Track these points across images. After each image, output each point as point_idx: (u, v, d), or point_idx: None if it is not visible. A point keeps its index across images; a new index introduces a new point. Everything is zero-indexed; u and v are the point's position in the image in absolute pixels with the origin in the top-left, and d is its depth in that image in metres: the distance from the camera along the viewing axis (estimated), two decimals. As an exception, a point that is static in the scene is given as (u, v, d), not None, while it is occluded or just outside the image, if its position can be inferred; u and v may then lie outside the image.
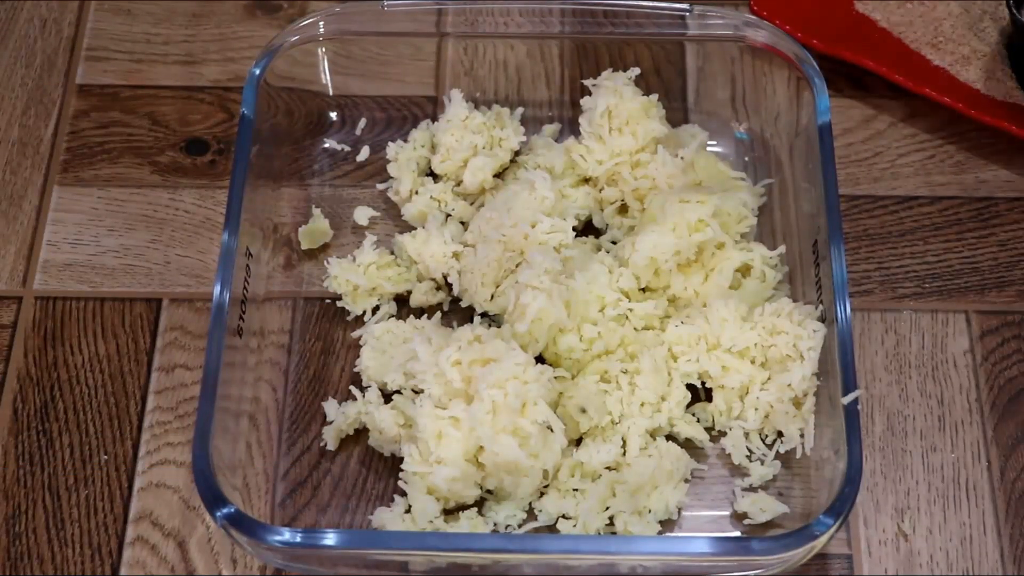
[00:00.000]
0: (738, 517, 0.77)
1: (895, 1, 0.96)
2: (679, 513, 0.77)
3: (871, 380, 0.83)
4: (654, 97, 0.86)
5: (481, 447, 0.74)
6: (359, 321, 0.85)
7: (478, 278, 0.82)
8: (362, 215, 0.89)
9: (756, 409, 0.78)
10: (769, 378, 0.78)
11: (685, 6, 0.86)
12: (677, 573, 0.73)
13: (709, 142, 0.90)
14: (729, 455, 0.79)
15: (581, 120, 0.86)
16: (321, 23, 0.88)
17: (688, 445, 0.79)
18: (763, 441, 0.79)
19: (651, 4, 0.87)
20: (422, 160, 0.90)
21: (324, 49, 0.91)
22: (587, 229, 0.88)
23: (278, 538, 0.69)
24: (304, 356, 0.84)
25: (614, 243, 0.85)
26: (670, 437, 0.79)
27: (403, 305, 0.86)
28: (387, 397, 0.80)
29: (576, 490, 0.76)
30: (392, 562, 0.74)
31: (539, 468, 0.75)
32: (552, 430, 0.75)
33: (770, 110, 0.90)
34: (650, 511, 0.76)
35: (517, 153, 0.89)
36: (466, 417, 0.74)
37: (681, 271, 0.82)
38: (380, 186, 0.91)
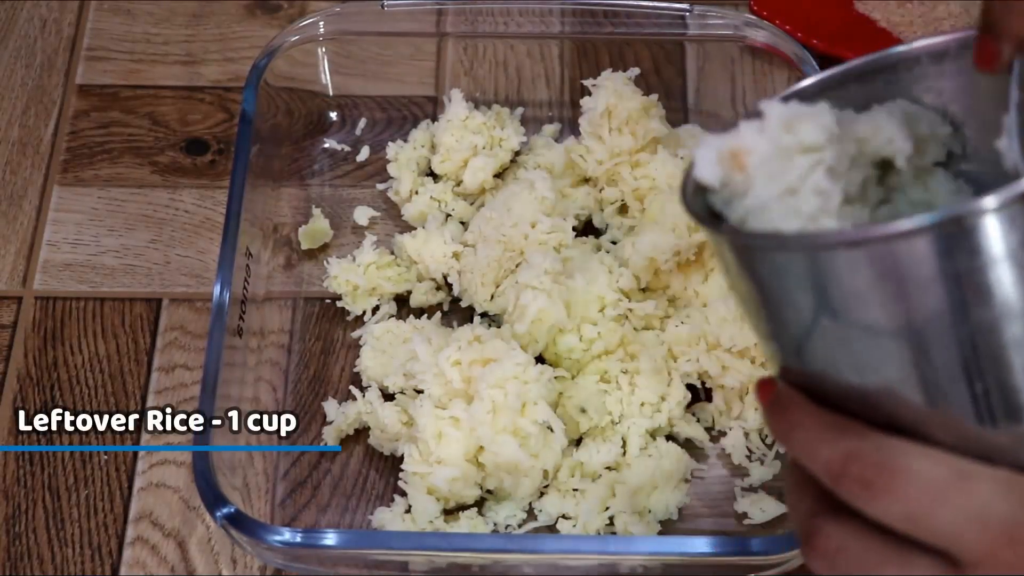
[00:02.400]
0: (738, 517, 0.77)
1: (895, 1, 0.96)
2: (679, 513, 0.77)
3: (871, 380, 0.83)
4: (654, 97, 0.86)
5: (481, 447, 0.74)
6: (359, 321, 0.85)
7: (478, 278, 0.81)
8: (362, 215, 0.89)
9: (756, 409, 0.78)
10: (769, 378, 0.78)
11: (685, 6, 0.86)
12: (677, 573, 0.73)
13: (709, 142, 0.90)
14: (729, 455, 0.79)
15: (581, 120, 0.86)
16: (321, 23, 0.88)
17: (688, 445, 0.79)
18: (763, 441, 0.79)
19: (651, 4, 0.87)
20: (422, 160, 0.90)
21: (324, 49, 0.91)
22: (587, 229, 0.88)
23: (278, 538, 0.69)
24: (304, 356, 0.84)
25: (614, 243, 0.85)
26: (670, 437, 0.79)
27: (403, 305, 0.86)
28: (387, 399, 0.80)
29: (576, 490, 0.76)
30: (392, 562, 0.74)
31: (539, 468, 0.75)
32: (552, 430, 0.75)
33: (770, 110, 0.89)
34: (650, 511, 0.76)
35: (517, 153, 0.89)
36: (466, 417, 0.73)
37: (681, 271, 0.82)
38: (380, 186, 0.90)
